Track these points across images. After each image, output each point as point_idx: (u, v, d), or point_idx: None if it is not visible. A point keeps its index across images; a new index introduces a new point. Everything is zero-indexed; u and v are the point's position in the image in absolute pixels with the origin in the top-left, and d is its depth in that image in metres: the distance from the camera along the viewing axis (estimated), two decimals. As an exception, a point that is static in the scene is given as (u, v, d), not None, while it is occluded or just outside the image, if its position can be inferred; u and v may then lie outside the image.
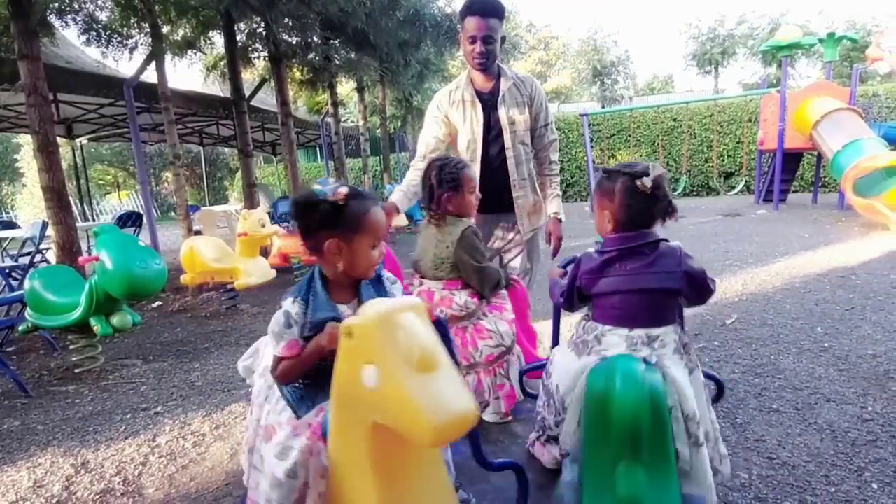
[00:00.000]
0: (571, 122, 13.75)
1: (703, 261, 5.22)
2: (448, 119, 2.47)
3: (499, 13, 2.30)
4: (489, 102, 2.42)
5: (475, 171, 2.40)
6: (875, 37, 11.55)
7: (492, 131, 2.44)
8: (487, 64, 2.36)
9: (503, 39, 2.39)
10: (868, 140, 7.30)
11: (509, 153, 2.43)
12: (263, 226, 4.73)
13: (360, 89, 11.46)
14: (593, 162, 11.98)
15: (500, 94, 2.41)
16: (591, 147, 11.62)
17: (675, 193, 12.35)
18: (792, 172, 9.71)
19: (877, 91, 11.56)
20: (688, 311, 3.70)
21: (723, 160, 12.58)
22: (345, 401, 1.15)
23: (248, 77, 11.06)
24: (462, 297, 2.14)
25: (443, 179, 2.12)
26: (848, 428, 2.16)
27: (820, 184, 9.77)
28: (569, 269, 1.72)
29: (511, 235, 2.55)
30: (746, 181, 11.95)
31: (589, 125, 10.93)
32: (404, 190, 2.42)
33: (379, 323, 1.06)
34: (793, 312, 3.60)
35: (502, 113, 2.41)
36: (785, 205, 9.24)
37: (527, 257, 2.62)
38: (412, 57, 9.39)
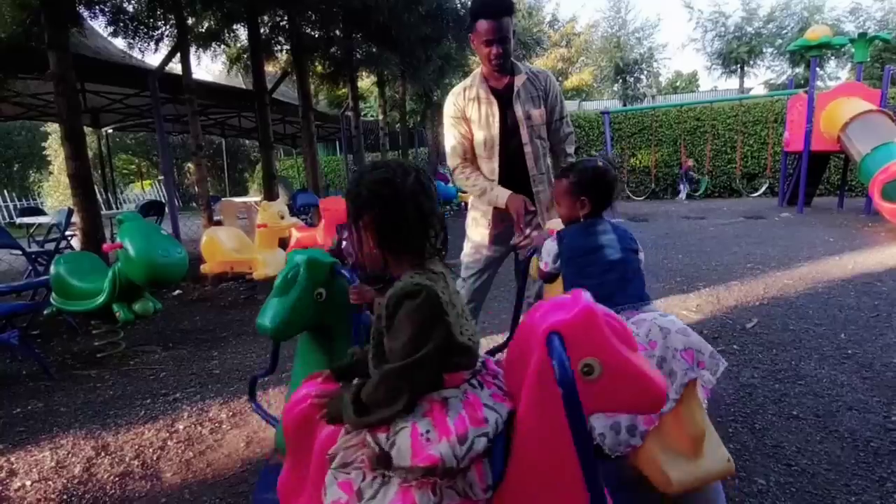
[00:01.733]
0: (592, 119, 13.60)
1: (724, 263, 5.19)
2: (465, 118, 2.46)
3: (510, 10, 2.27)
4: (505, 98, 2.41)
5: (493, 167, 2.39)
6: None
7: (509, 128, 2.43)
8: (505, 64, 2.35)
9: (514, 33, 2.38)
10: (899, 144, 7.11)
11: (527, 148, 2.42)
12: (282, 218, 4.77)
13: (380, 84, 11.49)
14: (613, 161, 11.84)
15: (515, 89, 2.39)
16: (612, 146, 11.49)
17: (697, 195, 12.19)
18: (818, 175, 9.49)
19: (909, 93, 11.24)
20: (707, 315, 3.69)
21: (746, 161, 12.35)
22: None
23: (271, 70, 11.15)
24: None
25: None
26: (870, 437, 2.12)
27: (847, 187, 9.53)
28: None
29: (530, 231, 2.53)
30: (770, 183, 11.73)
31: (610, 123, 10.81)
32: (487, 184, 2.42)
33: None
34: (815, 318, 3.53)
35: (518, 109, 2.39)
36: (810, 208, 9.04)
37: (534, 252, 2.61)
38: (433, 52, 9.38)
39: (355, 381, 1.21)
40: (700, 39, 24.26)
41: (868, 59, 9.44)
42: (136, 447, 2.35)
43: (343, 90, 12.39)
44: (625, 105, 22.85)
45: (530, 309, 1.15)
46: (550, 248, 1.91)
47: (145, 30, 6.67)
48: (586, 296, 1.04)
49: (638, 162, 13.27)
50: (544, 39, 19.46)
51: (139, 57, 7.69)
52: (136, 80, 6.66)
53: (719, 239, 6.69)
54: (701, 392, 1.48)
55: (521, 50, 12.96)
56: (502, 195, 2.36)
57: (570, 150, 2.58)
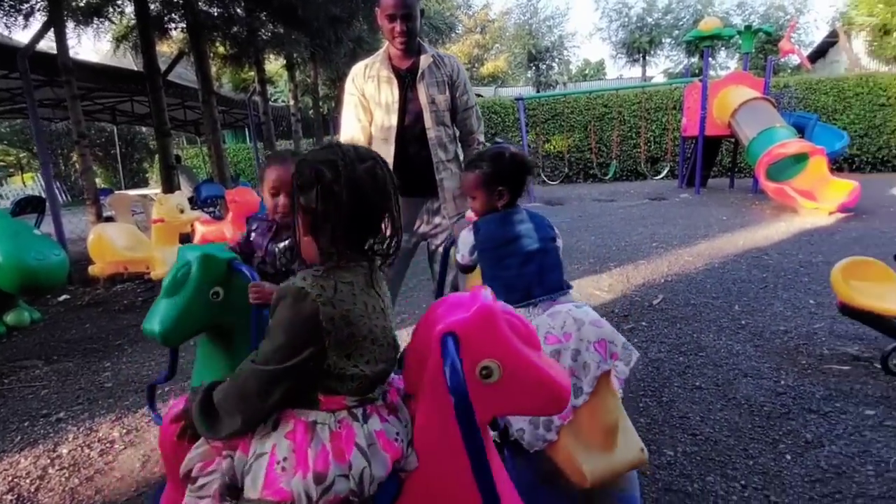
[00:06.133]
0: (508, 106, 13.82)
1: (632, 243, 5.44)
2: (365, 97, 2.33)
3: None
4: (407, 80, 2.30)
5: (389, 151, 2.27)
6: (786, 30, 12.32)
7: (409, 111, 2.31)
8: (410, 44, 2.24)
9: (422, 13, 2.27)
10: (780, 128, 7.78)
11: (430, 133, 2.30)
12: (182, 211, 4.42)
13: (289, 67, 10.97)
14: (529, 146, 12.12)
15: (420, 70, 2.28)
16: (527, 132, 11.73)
17: (607, 178, 12.77)
18: (712, 158, 10.23)
19: (787, 82, 12.36)
20: (617, 294, 3.84)
21: (650, 146, 13.09)
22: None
23: (166, 50, 10.31)
24: None
25: None
26: (763, 402, 2.27)
27: (736, 169, 10.35)
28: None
29: (437, 220, 2.44)
30: (671, 166, 12.51)
31: (525, 110, 11.01)
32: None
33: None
34: (713, 292, 3.78)
35: (422, 91, 2.28)
36: (706, 189, 9.74)
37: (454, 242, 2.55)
38: (344, 34, 9.05)
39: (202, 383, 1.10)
40: (606, 29, 25.39)
41: (753, 50, 10.22)
42: (10, 479, 2.06)
43: (249, 73, 11.73)
44: (538, 91, 23.45)
45: (431, 305, 1.08)
46: (467, 238, 1.85)
47: (11, 2, 5.89)
48: (486, 293, 0.98)
49: (552, 147, 13.67)
50: (457, 24, 19.46)
51: (6, 33, 6.81)
52: (3, 59, 5.88)
53: (627, 220, 7.03)
54: (615, 383, 1.46)
55: (433, 34, 12.85)
56: None
57: (482, 138, 2.50)
